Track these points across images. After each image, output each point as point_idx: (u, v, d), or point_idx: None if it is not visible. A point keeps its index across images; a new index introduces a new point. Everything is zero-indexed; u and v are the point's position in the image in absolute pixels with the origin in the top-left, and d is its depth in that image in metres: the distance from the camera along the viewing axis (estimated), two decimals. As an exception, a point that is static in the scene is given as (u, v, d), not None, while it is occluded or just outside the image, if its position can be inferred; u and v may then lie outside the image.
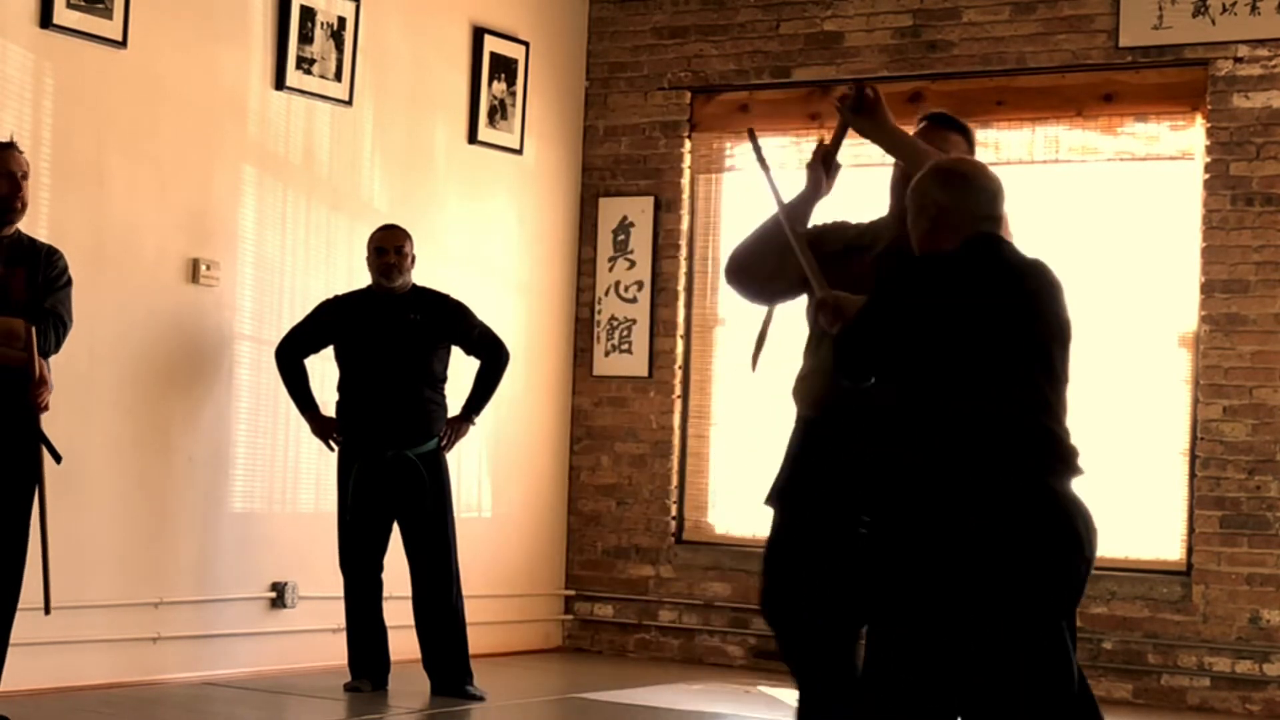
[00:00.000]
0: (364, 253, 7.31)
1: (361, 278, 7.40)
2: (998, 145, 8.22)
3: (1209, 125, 7.70)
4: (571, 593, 8.85)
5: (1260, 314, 7.57)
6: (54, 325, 5.66)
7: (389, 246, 6.98)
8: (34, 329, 5.57)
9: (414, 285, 7.06)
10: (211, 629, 7.08)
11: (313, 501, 7.53)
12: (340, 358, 7.03)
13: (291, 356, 7.02)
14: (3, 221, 5.68)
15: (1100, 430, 7.87)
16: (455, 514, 7.03)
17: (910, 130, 4.76)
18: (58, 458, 5.72)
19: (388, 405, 6.90)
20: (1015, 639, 3.78)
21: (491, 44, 8.42)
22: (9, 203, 5.66)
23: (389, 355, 6.93)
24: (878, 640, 3.93)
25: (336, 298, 7.13)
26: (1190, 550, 7.64)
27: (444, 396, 7.06)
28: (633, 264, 8.84)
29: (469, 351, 7.11)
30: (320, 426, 7.03)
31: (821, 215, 4.79)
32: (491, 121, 8.41)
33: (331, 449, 7.01)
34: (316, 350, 7.05)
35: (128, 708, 6.33)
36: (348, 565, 6.91)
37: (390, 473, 6.85)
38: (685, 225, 8.81)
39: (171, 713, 6.38)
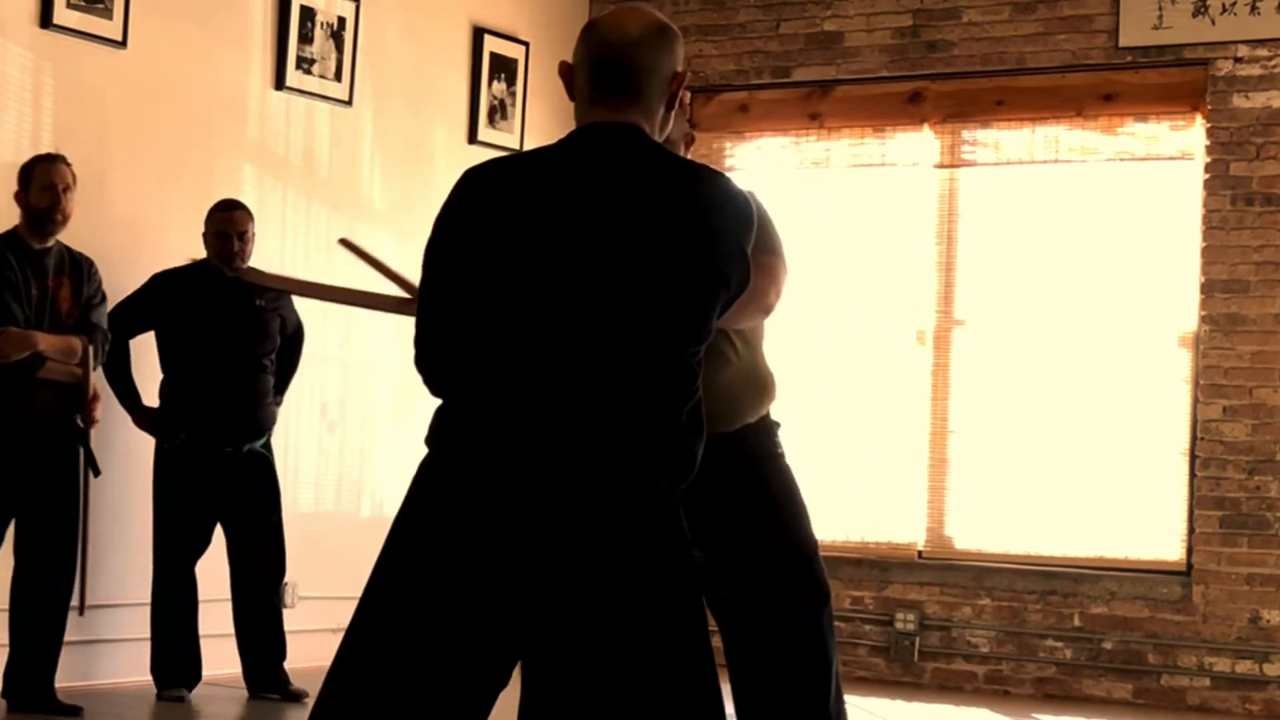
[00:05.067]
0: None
1: (368, 281, 7.40)
2: (998, 145, 8.23)
3: (1209, 125, 7.70)
4: (571, 593, 8.84)
5: (1260, 314, 7.57)
6: (102, 342, 6.02)
7: (233, 232, 6.56)
8: (89, 348, 5.91)
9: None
10: (212, 629, 7.05)
11: (313, 502, 7.52)
12: (173, 341, 6.52)
13: (118, 335, 6.36)
14: (44, 233, 5.92)
15: (1100, 430, 7.90)
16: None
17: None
18: (97, 471, 6.09)
19: (238, 398, 6.54)
20: None
21: (491, 44, 8.42)
22: (49, 214, 5.90)
23: (238, 344, 6.54)
24: None
25: (168, 273, 6.62)
26: (1190, 550, 7.64)
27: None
28: (633, 264, 8.82)
29: (283, 336, 6.77)
30: (147, 419, 6.52)
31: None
32: (491, 121, 8.41)
33: (172, 446, 6.50)
34: (144, 330, 6.55)
35: (128, 707, 6.33)
36: (174, 567, 6.52)
37: (225, 468, 6.52)
38: (685, 225, 8.80)
39: (172, 712, 6.38)
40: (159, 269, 6.96)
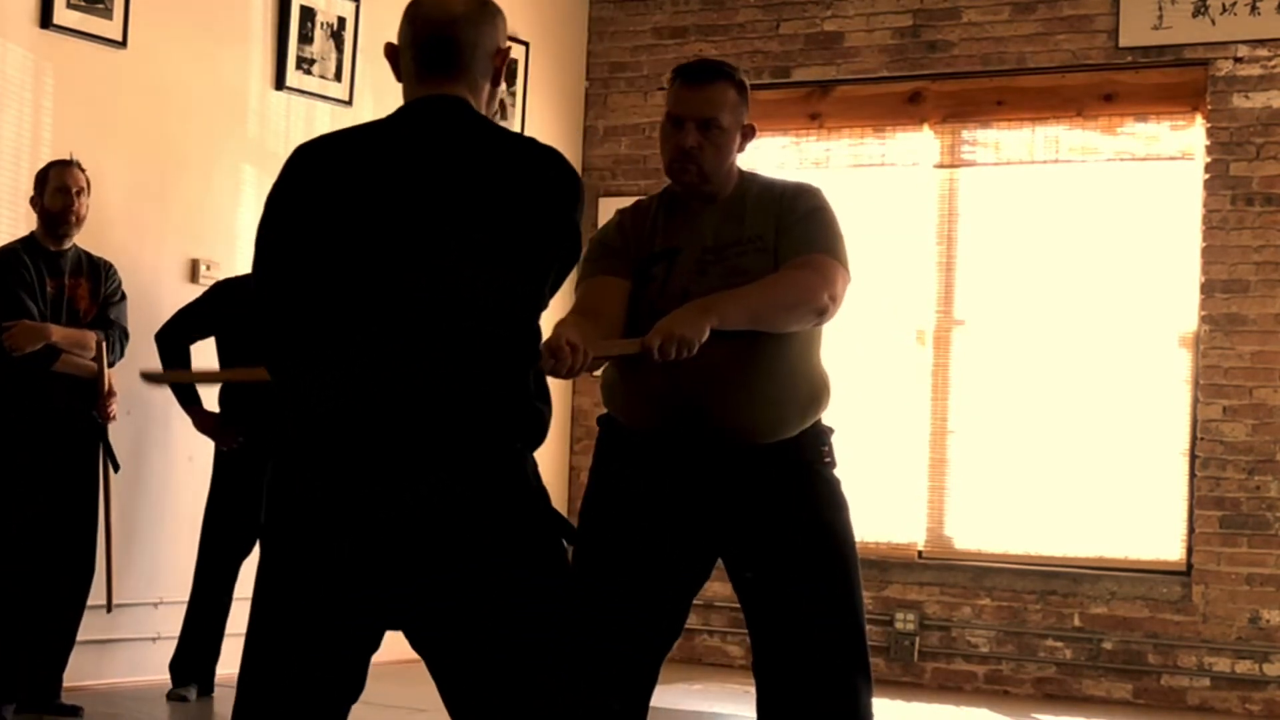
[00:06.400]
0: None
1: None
2: (998, 145, 8.23)
3: (1209, 125, 7.70)
4: (571, 593, 8.83)
5: (1260, 314, 7.57)
6: (119, 337, 6.12)
7: None
8: (104, 342, 6.01)
9: None
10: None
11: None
12: (233, 347, 6.56)
13: (179, 341, 6.53)
14: (60, 235, 6.05)
15: (1100, 430, 7.90)
16: None
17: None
18: (116, 466, 6.17)
19: None
20: None
21: (491, 44, 8.41)
22: (64, 216, 6.03)
23: None
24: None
25: (229, 281, 6.73)
26: (1190, 550, 7.64)
27: None
28: (633, 264, 8.82)
29: None
30: (208, 422, 6.63)
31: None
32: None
33: (230, 449, 6.56)
34: (205, 337, 6.64)
35: (127, 708, 6.33)
36: (217, 567, 6.56)
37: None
38: (685, 225, 8.80)
39: (173, 712, 6.38)
40: (158, 269, 6.96)
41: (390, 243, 2.73)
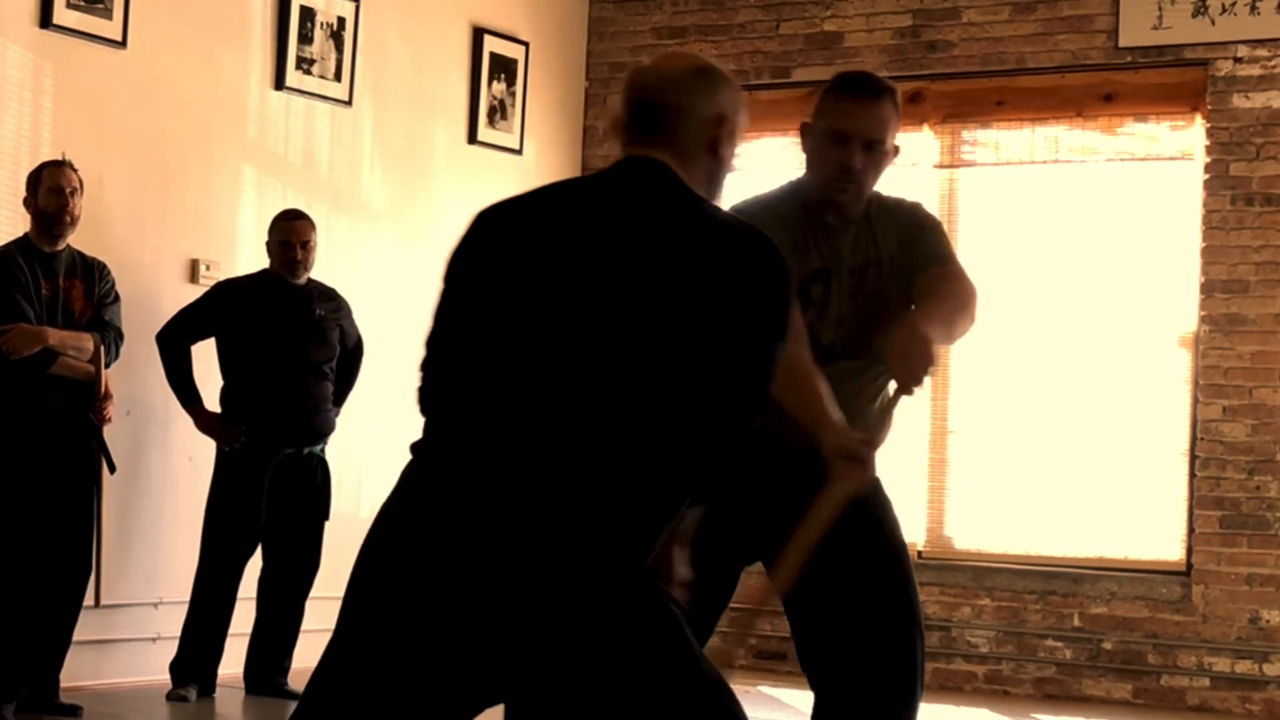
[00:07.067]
0: (365, 255, 7.27)
1: (368, 280, 7.39)
2: (998, 145, 8.23)
3: (1209, 125, 7.70)
4: (571, 593, 8.83)
5: (1260, 314, 7.57)
6: (114, 339, 6.11)
7: (295, 241, 6.66)
8: (100, 345, 6.01)
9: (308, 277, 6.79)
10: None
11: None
12: (235, 348, 6.64)
13: (179, 342, 6.60)
14: (54, 236, 6.05)
15: (1100, 430, 7.90)
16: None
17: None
18: (112, 468, 6.15)
19: (297, 402, 6.62)
20: None
21: (491, 44, 8.42)
22: (58, 217, 6.02)
23: (298, 351, 6.64)
24: None
25: (230, 282, 6.78)
26: (1190, 550, 7.64)
27: None
28: (633, 264, 8.82)
29: (343, 348, 6.85)
30: (209, 422, 6.64)
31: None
32: (491, 122, 8.41)
33: (232, 449, 6.60)
34: (206, 337, 6.67)
35: (127, 708, 6.33)
36: (220, 566, 6.58)
37: (281, 470, 6.61)
38: (685, 225, 8.79)
39: (173, 712, 6.38)
40: (158, 269, 6.97)
41: (566, 310, 2.63)
